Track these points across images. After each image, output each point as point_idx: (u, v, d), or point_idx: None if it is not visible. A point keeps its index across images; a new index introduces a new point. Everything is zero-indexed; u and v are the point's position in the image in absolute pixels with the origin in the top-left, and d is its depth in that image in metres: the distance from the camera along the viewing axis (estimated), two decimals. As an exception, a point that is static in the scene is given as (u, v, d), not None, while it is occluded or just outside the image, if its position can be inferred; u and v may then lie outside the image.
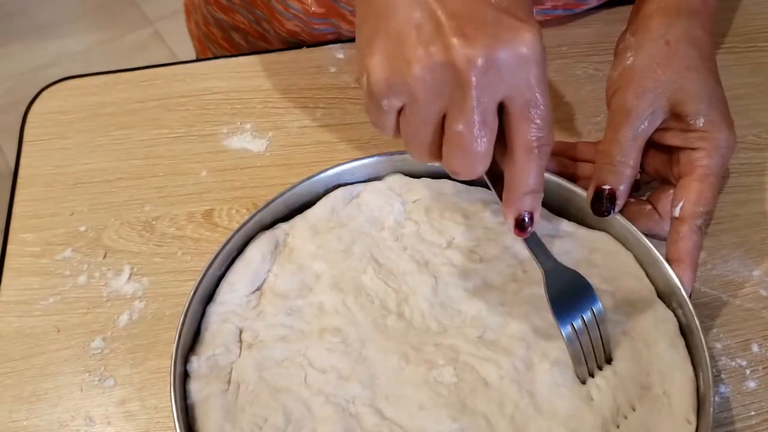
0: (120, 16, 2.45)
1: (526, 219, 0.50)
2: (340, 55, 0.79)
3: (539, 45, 0.45)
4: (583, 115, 0.73)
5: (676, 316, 0.56)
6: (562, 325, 0.52)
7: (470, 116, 0.45)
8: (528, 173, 0.49)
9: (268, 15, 0.83)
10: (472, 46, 0.44)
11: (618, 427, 0.51)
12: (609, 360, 0.54)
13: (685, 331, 0.55)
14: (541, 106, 0.47)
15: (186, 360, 0.54)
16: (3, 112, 2.04)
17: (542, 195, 0.51)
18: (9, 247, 0.66)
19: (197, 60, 0.90)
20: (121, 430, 0.57)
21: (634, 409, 0.52)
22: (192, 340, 0.55)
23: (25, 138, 0.74)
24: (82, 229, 0.67)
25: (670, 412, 0.51)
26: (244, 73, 0.78)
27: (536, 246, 0.54)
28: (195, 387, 0.53)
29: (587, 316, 0.53)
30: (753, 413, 0.56)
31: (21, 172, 0.72)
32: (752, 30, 0.80)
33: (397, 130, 0.49)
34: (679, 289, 0.55)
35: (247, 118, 0.74)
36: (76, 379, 0.59)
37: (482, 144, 0.46)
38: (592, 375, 0.54)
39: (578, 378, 0.54)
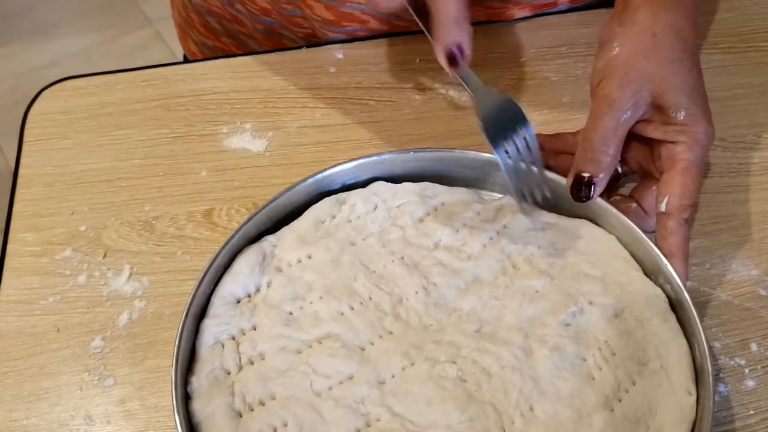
0: (120, 16, 2.45)
1: (456, 52, 0.52)
2: (340, 56, 0.79)
3: None
4: (582, 114, 0.73)
5: (664, 292, 0.57)
6: (496, 149, 0.53)
7: None
8: (448, 4, 0.50)
9: None
10: None
11: (620, 401, 0.52)
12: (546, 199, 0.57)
13: (675, 306, 0.56)
14: None
15: (185, 381, 0.54)
16: (3, 112, 2.04)
17: (470, 30, 0.51)
18: (9, 247, 0.67)
19: (197, 60, 0.90)
20: (121, 429, 0.57)
21: (634, 383, 0.53)
22: (189, 357, 0.55)
23: (26, 138, 0.74)
24: (83, 228, 0.67)
25: (670, 385, 0.52)
26: (244, 73, 0.78)
27: (468, 76, 0.54)
28: (198, 406, 0.53)
29: (519, 139, 0.54)
30: (752, 412, 0.56)
31: (21, 171, 0.72)
32: (751, 30, 0.80)
33: None
34: (666, 265, 0.56)
35: (247, 118, 0.75)
36: (75, 378, 0.59)
37: None
38: (535, 201, 0.55)
39: (524, 205, 0.55)
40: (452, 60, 0.52)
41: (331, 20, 0.81)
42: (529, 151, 0.53)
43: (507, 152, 0.52)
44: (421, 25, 0.53)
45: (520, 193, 0.54)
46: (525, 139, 0.53)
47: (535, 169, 0.54)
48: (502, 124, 0.52)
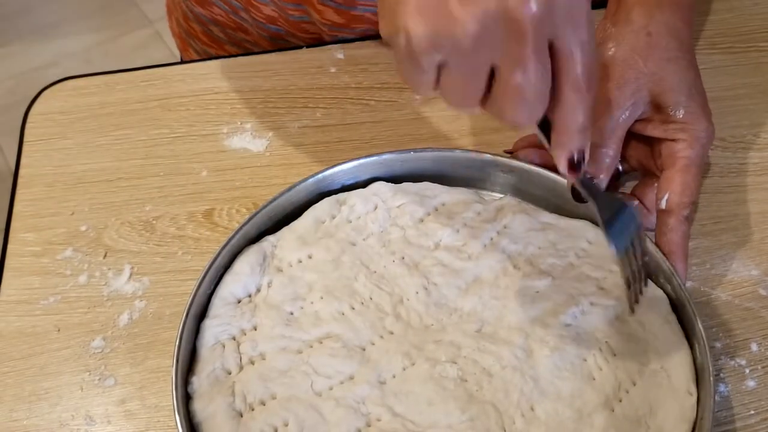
0: (120, 16, 2.45)
1: (577, 158, 0.48)
2: (340, 56, 0.79)
3: None
4: (582, 115, 0.73)
5: (665, 292, 0.57)
6: (618, 250, 0.51)
7: (528, 65, 0.42)
8: (578, 111, 0.46)
9: (245, 2, 0.84)
10: None
11: (621, 401, 0.52)
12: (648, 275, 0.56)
13: (676, 306, 0.56)
14: (590, 44, 0.45)
15: (186, 382, 0.54)
16: (3, 112, 2.04)
17: (591, 132, 0.48)
18: (10, 247, 0.67)
19: (197, 60, 0.90)
20: (122, 429, 0.57)
21: (634, 384, 0.53)
22: (189, 358, 0.55)
23: (26, 138, 0.74)
24: (83, 228, 0.67)
25: (671, 385, 0.53)
26: (244, 73, 0.78)
27: (587, 182, 0.53)
28: (199, 406, 0.53)
29: (634, 237, 0.53)
30: (752, 412, 0.56)
31: (22, 172, 0.72)
32: (751, 30, 0.80)
33: (435, 85, 0.46)
34: (665, 263, 0.56)
35: (248, 118, 0.75)
36: (76, 378, 0.59)
37: (540, 90, 0.44)
38: (637, 300, 0.54)
39: (629, 307, 0.54)
40: (575, 166, 0.48)
41: (341, 23, 0.81)
42: (640, 246, 0.53)
43: (625, 250, 0.52)
44: (538, 132, 0.50)
45: (633, 294, 0.55)
46: (638, 235, 0.54)
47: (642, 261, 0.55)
48: (619, 225, 0.52)
